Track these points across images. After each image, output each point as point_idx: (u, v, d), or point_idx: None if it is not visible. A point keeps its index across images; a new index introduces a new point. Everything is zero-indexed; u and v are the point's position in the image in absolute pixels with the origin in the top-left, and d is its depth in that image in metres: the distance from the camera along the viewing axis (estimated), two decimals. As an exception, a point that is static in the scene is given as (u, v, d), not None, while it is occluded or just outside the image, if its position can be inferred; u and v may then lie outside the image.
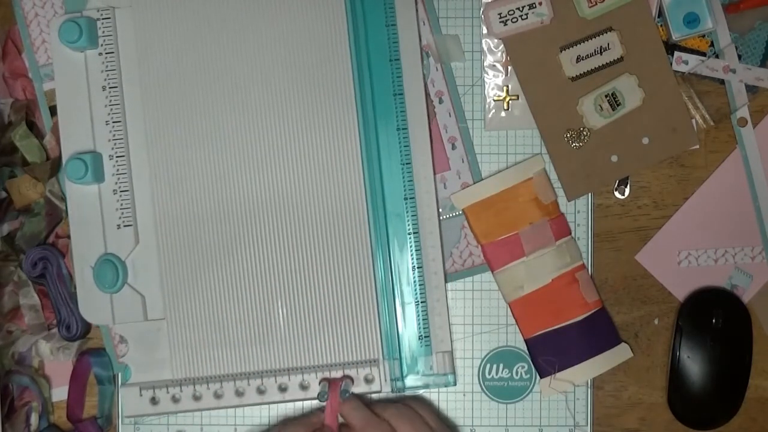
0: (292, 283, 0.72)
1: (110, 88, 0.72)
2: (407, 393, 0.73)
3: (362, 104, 0.72)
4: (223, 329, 0.72)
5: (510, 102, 0.74)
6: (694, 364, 0.73)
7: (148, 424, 0.74)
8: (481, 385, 0.74)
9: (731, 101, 0.74)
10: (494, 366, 0.74)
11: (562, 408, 0.74)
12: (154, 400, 0.71)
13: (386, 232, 0.72)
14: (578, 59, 0.73)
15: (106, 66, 0.72)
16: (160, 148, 0.72)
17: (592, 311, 0.73)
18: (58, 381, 0.74)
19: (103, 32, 0.72)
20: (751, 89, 0.74)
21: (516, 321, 0.74)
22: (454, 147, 0.74)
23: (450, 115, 0.74)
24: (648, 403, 0.75)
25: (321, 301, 0.72)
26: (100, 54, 0.72)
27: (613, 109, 0.73)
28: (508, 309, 0.74)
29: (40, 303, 0.73)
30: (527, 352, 0.74)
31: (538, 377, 0.74)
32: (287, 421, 0.72)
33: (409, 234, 0.72)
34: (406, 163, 0.72)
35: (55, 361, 0.74)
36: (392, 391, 0.71)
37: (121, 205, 0.72)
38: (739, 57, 0.74)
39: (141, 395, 0.71)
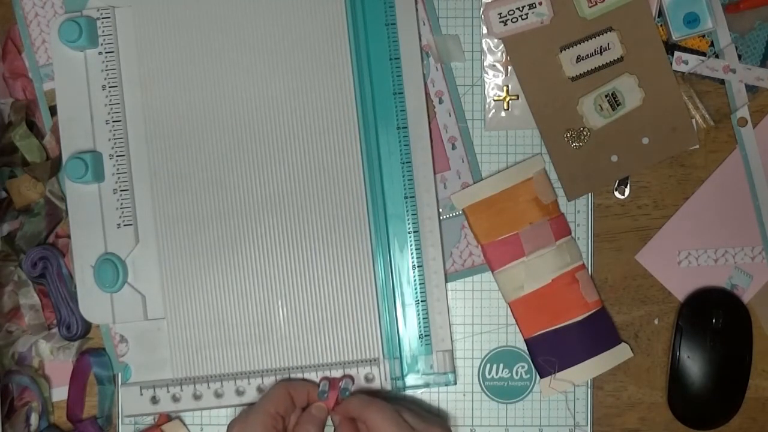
0: (292, 282, 0.72)
1: (110, 87, 0.72)
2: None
3: (362, 103, 0.72)
4: (223, 328, 0.72)
5: (510, 102, 0.74)
6: (694, 364, 0.73)
7: (148, 423, 0.74)
8: (481, 385, 0.74)
9: (731, 101, 0.74)
10: (494, 366, 0.74)
11: (562, 408, 0.74)
12: (154, 400, 0.71)
13: (386, 231, 0.72)
14: (578, 59, 0.73)
15: (106, 65, 0.72)
16: (160, 148, 0.72)
17: (592, 311, 0.73)
18: (58, 381, 0.74)
19: (103, 32, 0.72)
20: (751, 89, 0.74)
21: (516, 321, 0.74)
22: (454, 147, 0.74)
23: (450, 115, 0.74)
24: (648, 403, 0.75)
25: (321, 300, 0.72)
26: (100, 53, 0.72)
27: (613, 109, 0.73)
28: (508, 309, 0.74)
29: (40, 303, 0.73)
30: (527, 352, 0.74)
31: (538, 377, 0.74)
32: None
33: (409, 233, 0.72)
34: (406, 162, 0.72)
35: (55, 361, 0.74)
36: (392, 390, 0.71)
37: (121, 204, 0.72)
38: (739, 57, 0.74)
39: (141, 395, 0.71)
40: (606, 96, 0.73)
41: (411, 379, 0.72)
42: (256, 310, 0.72)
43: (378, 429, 0.64)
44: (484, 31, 0.74)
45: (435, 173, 0.73)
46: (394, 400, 0.69)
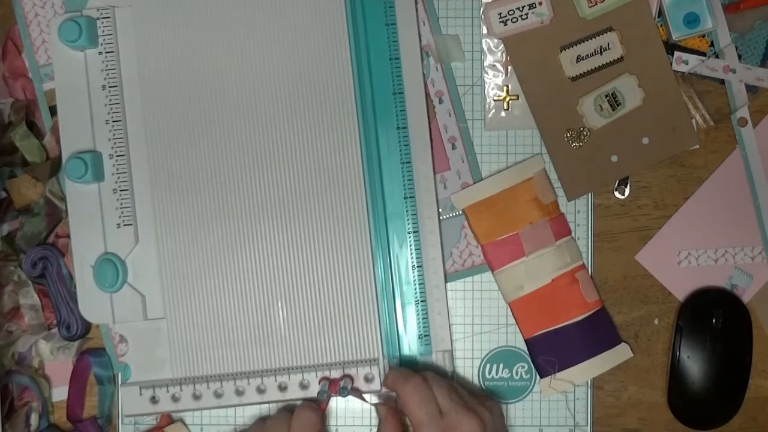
0: (292, 282, 0.72)
1: (110, 87, 0.72)
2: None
3: (362, 103, 0.72)
4: (223, 329, 0.72)
5: (510, 102, 0.74)
6: (694, 364, 0.73)
7: (149, 423, 0.74)
8: (481, 385, 0.74)
9: (731, 101, 0.74)
10: (494, 366, 0.74)
11: (562, 408, 0.74)
12: (154, 400, 0.71)
13: (386, 231, 0.72)
14: (578, 59, 0.73)
15: (106, 65, 0.72)
16: (160, 147, 0.72)
17: (592, 311, 0.73)
18: (58, 381, 0.74)
19: (103, 31, 0.72)
20: (751, 89, 0.74)
21: (516, 321, 0.74)
22: (454, 147, 0.74)
23: (450, 115, 0.74)
24: (648, 403, 0.75)
25: (321, 300, 0.72)
26: (100, 53, 0.72)
27: (613, 109, 0.73)
28: (508, 309, 0.74)
29: (40, 303, 0.73)
30: (527, 352, 0.74)
31: (538, 377, 0.74)
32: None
33: (409, 233, 0.72)
34: (406, 162, 0.72)
35: (55, 361, 0.74)
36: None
37: (121, 204, 0.72)
38: (739, 57, 0.74)
39: (141, 394, 0.71)
40: (606, 96, 0.73)
41: (411, 379, 0.72)
42: (255, 310, 0.72)
43: (406, 407, 0.65)
44: (484, 31, 0.74)
45: (435, 173, 0.73)
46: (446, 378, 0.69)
